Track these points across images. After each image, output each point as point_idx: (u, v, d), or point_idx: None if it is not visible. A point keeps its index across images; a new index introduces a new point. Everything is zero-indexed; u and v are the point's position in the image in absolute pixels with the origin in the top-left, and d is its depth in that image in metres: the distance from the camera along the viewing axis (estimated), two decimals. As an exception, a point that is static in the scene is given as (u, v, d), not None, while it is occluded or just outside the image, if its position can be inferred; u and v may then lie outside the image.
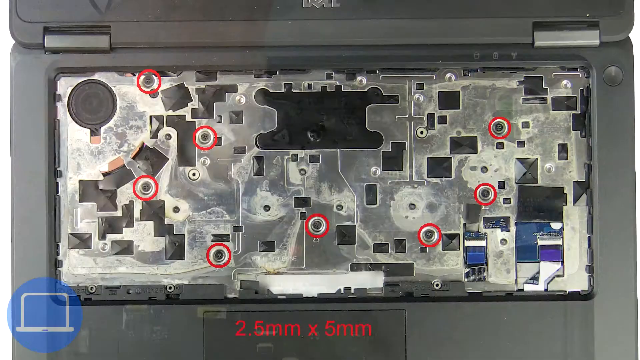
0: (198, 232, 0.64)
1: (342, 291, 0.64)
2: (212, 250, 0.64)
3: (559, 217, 0.64)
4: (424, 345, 0.62)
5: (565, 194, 0.64)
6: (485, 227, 0.64)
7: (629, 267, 0.62)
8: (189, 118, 0.64)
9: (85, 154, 0.64)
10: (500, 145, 0.64)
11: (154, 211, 0.64)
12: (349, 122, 0.64)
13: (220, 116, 0.64)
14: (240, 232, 0.64)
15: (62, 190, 0.63)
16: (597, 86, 0.62)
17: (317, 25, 0.62)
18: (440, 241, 0.64)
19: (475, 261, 0.64)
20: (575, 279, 0.64)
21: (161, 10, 0.62)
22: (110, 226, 0.64)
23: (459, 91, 0.64)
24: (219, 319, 0.62)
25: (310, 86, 0.64)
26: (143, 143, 0.64)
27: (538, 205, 0.64)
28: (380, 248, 0.64)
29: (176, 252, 0.64)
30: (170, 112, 0.64)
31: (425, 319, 0.63)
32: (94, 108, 0.64)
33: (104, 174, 0.64)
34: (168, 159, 0.64)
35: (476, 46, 0.62)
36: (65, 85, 0.64)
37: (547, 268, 0.64)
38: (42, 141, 0.62)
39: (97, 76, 0.64)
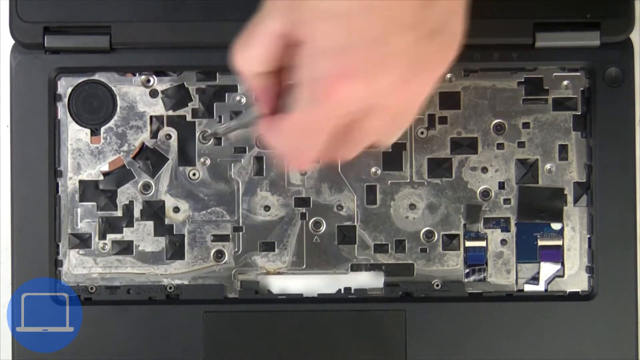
0: (198, 232, 0.64)
1: (342, 291, 0.64)
2: (213, 250, 0.64)
3: (559, 218, 0.64)
4: (424, 345, 0.62)
5: (566, 194, 0.64)
6: (485, 228, 0.64)
7: (629, 268, 0.63)
8: (189, 118, 0.64)
9: (85, 154, 0.64)
10: (500, 146, 0.64)
11: (154, 211, 0.64)
12: (350, 122, 0.64)
13: (220, 116, 0.64)
14: (241, 232, 0.64)
15: (63, 190, 0.63)
16: (598, 87, 0.62)
17: (317, 26, 0.62)
18: (441, 241, 0.64)
19: (476, 261, 0.64)
20: (576, 280, 0.64)
21: (161, 10, 0.62)
22: (110, 226, 0.64)
23: (459, 92, 0.64)
24: (219, 319, 0.63)
25: (310, 86, 0.64)
26: (143, 143, 0.64)
27: (538, 206, 0.64)
28: (380, 248, 0.64)
29: (176, 252, 0.64)
30: (171, 112, 0.64)
31: (426, 319, 0.63)
32: (94, 108, 0.64)
33: (104, 174, 0.64)
34: (168, 159, 0.64)
35: (477, 47, 0.62)
36: (66, 85, 0.63)
37: (548, 268, 0.64)
38: (42, 141, 0.62)
39: (97, 76, 0.64)
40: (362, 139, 0.49)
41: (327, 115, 0.46)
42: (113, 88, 0.64)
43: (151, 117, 0.64)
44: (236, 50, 0.49)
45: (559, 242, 0.64)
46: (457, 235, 0.64)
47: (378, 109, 0.46)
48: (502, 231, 0.64)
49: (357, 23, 0.43)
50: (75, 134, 0.64)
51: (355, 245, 0.64)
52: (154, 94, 0.64)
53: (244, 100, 0.64)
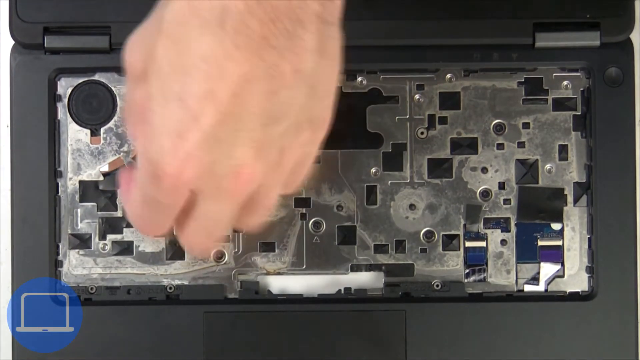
0: (198, 232, 0.64)
1: (342, 292, 0.64)
2: (213, 251, 0.64)
3: (559, 218, 0.64)
4: (424, 346, 0.62)
5: (566, 194, 0.64)
6: (485, 228, 0.64)
7: (629, 268, 0.62)
8: (189, 118, 0.64)
9: (85, 155, 0.64)
10: (500, 146, 0.64)
11: (154, 211, 0.64)
12: (350, 122, 0.64)
13: (220, 117, 0.64)
14: (241, 233, 0.64)
15: (63, 191, 0.63)
16: (598, 87, 0.62)
17: (317, 26, 0.62)
18: (441, 242, 0.64)
19: (476, 262, 0.64)
20: (576, 280, 0.64)
21: (161, 10, 0.62)
22: (110, 226, 0.64)
23: (459, 92, 0.64)
24: (219, 320, 0.62)
25: (310, 87, 0.64)
26: (143, 143, 0.64)
27: (538, 206, 0.64)
28: (380, 249, 0.64)
29: (176, 252, 0.64)
30: (171, 113, 0.64)
31: (426, 319, 0.62)
32: (94, 108, 0.64)
33: (104, 174, 0.64)
34: (168, 160, 0.64)
35: (477, 47, 0.62)
36: (66, 86, 0.63)
37: (548, 269, 0.64)
38: (42, 141, 0.62)
39: (97, 76, 0.64)
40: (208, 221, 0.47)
41: (162, 194, 0.44)
42: (113, 88, 0.64)
43: (151, 117, 0.64)
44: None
45: (559, 243, 0.64)
46: (457, 236, 0.64)
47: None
48: (502, 231, 0.64)
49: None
50: (75, 135, 0.64)
51: (355, 246, 0.64)
52: (154, 94, 0.64)
53: (243, 100, 0.64)
